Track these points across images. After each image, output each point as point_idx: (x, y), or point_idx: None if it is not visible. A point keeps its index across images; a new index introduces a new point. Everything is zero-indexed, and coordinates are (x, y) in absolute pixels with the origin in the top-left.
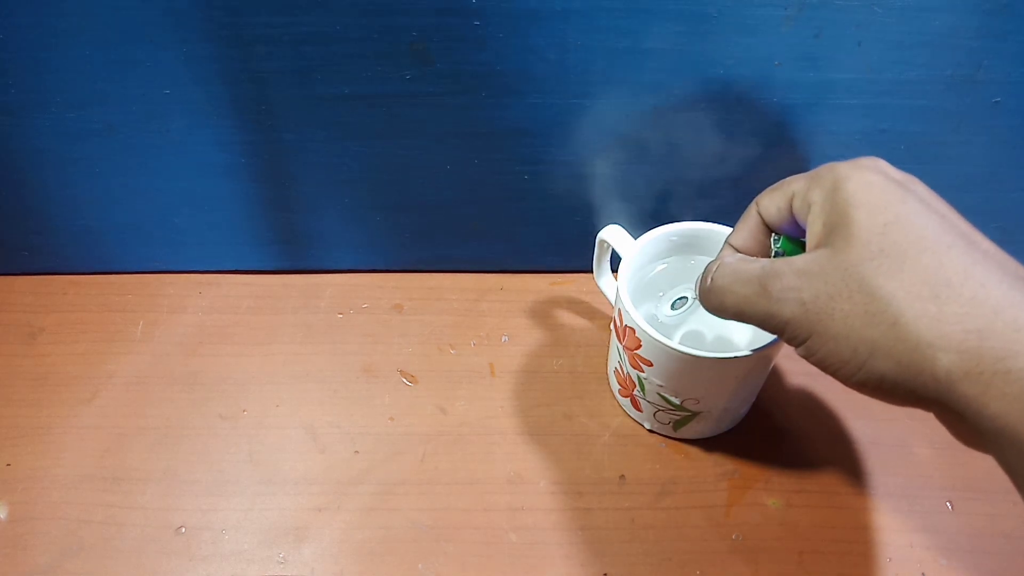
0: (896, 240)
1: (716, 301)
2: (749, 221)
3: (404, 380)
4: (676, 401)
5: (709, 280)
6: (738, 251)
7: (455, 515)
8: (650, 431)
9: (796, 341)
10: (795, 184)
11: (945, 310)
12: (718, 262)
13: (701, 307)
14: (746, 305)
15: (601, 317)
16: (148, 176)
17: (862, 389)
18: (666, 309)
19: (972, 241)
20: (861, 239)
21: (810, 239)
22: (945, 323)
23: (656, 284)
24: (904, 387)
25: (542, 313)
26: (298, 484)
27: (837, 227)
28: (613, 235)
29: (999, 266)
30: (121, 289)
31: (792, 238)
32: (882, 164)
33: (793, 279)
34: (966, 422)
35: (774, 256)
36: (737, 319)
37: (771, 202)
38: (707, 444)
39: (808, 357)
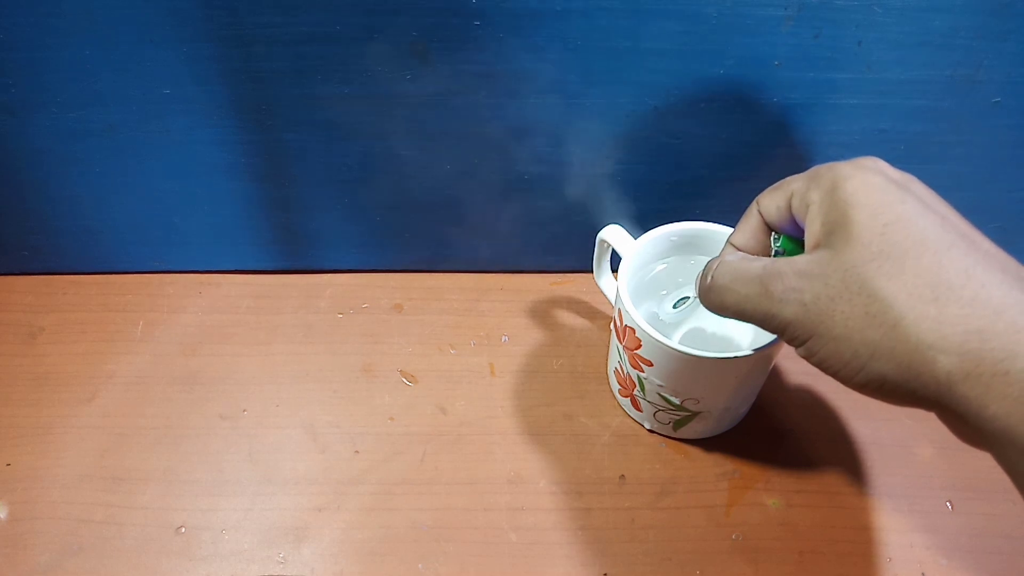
0: (896, 241)
1: (716, 300)
2: (750, 220)
3: (404, 380)
4: (676, 401)
5: (709, 278)
6: (739, 250)
7: (455, 515)
8: (650, 431)
9: (797, 342)
10: (794, 184)
11: (945, 311)
12: (719, 260)
13: (702, 306)
14: (747, 304)
15: (601, 317)
16: (148, 176)
17: (863, 390)
18: (668, 308)
19: (973, 241)
20: (861, 240)
21: (809, 239)
22: (945, 325)
23: (656, 284)
24: (905, 388)
25: (542, 313)
26: (298, 484)
27: (837, 227)
28: (613, 235)
29: (1000, 267)
30: (121, 289)
31: (792, 237)
32: (881, 164)
33: (795, 280)
34: (966, 422)
35: (774, 255)
36: (737, 318)
37: (771, 201)
38: (707, 444)
39: (809, 358)
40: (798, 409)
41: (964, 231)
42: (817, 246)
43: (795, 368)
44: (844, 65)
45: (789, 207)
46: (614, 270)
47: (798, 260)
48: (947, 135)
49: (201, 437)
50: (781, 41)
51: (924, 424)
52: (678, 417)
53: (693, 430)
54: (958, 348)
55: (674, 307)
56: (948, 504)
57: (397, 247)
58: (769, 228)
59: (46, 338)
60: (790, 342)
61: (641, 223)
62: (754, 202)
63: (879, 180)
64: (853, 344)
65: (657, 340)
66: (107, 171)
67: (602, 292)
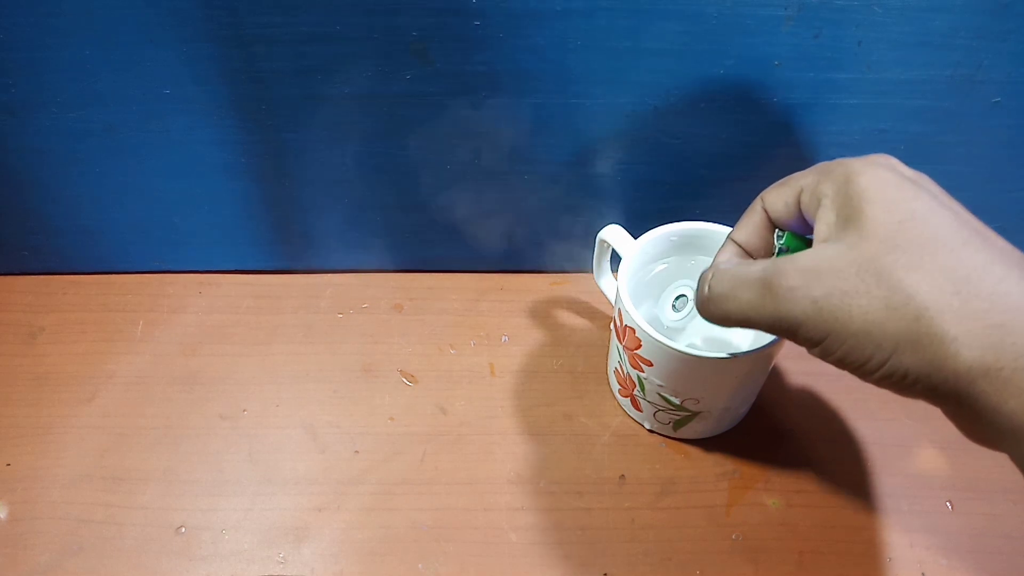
0: (912, 237)
1: (718, 310)
2: (753, 217)
3: (404, 380)
4: (676, 401)
5: (707, 288)
6: (741, 247)
7: (455, 515)
8: (650, 431)
9: (812, 343)
10: (804, 179)
11: (968, 305)
12: (712, 269)
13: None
14: (751, 310)
15: (601, 317)
16: (148, 176)
17: (882, 383)
18: (669, 312)
19: (987, 238)
20: (877, 234)
21: (819, 233)
22: (969, 317)
23: (656, 284)
24: (926, 382)
25: (542, 313)
26: (298, 484)
27: (850, 222)
28: (613, 235)
29: (1017, 263)
30: (121, 289)
31: (796, 234)
32: (893, 161)
33: (800, 277)
34: (981, 419)
35: (777, 253)
36: (743, 326)
37: (778, 197)
38: (707, 444)
39: (825, 357)
40: (798, 409)
41: (978, 228)
42: (827, 241)
43: (795, 368)
44: (844, 65)
45: (797, 203)
46: (614, 270)
47: (801, 257)
48: (947, 135)
49: (201, 437)
50: (781, 41)
51: (925, 424)
52: (678, 417)
53: (693, 430)
54: (981, 341)
55: (674, 309)
56: (948, 504)
57: (397, 247)
58: (772, 225)
59: (46, 338)
60: (804, 343)
61: (641, 223)
62: (758, 198)
63: (893, 176)
64: (875, 338)
65: (657, 340)
66: (107, 171)
67: (602, 292)
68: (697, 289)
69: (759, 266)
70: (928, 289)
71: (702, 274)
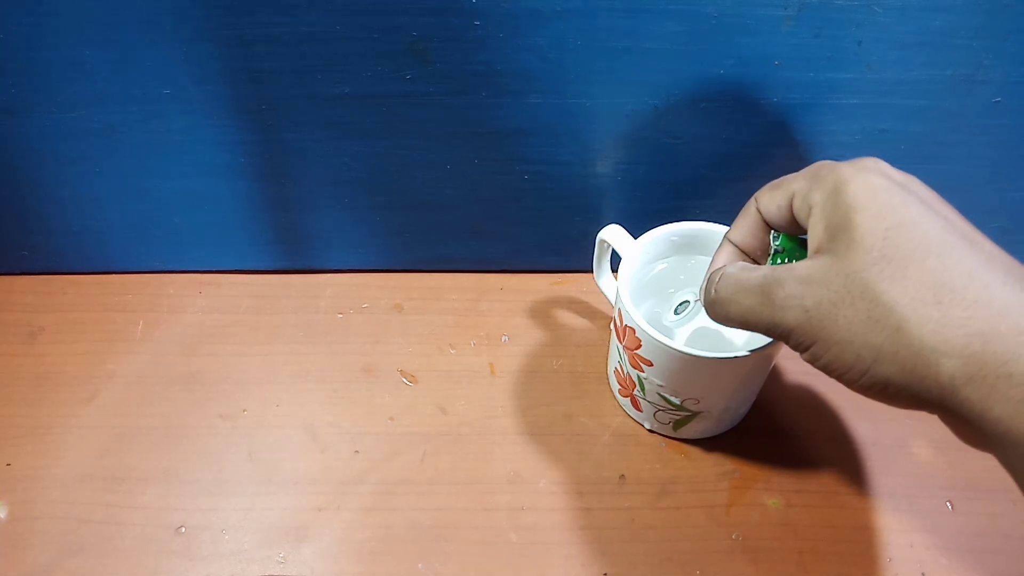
0: (898, 245)
1: (721, 312)
2: (748, 218)
3: (404, 380)
4: (676, 401)
5: (712, 292)
6: (737, 247)
7: (455, 515)
8: (650, 431)
9: (801, 347)
10: (795, 183)
11: (948, 315)
12: (720, 272)
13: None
14: (751, 315)
15: (601, 317)
16: (148, 176)
17: (867, 393)
18: (670, 315)
19: (974, 243)
20: (863, 245)
21: (811, 242)
22: (948, 328)
23: (656, 284)
24: (908, 392)
25: (542, 313)
26: (298, 484)
27: (839, 231)
28: (613, 235)
29: (1003, 268)
30: (121, 289)
31: (792, 236)
32: (883, 165)
33: (795, 287)
34: (971, 425)
35: (773, 253)
36: (743, 328)
37: (771, 201)
38: (707, 444)
39: (813, 362)
40: (798, 409)
41: (966, 232)
42: (819, 251)
43: (795, 368)
44: (844, 65)
45: (790, 207)
46: (614, 270)
47: (798, 267)
48: (947, 135)
49: (201, 437)
50: (781, 41)
51: (924, 424)
52: (678, 417)
53: (693, 430)
54: (961, 351)
55: (675, 312)
56: (948, 504)
57: (397, 247)
58: (767, 225)
59: (46, 338)
60: (795, 348)
61: (641, 223)
62: (752, 199)
63: (882, 182)
64: (856, 348)
65: (657, 340)
66: (107, 171)
67: (602, 292)
68: (704, 289)
69: (760, 273)
70: (908, 301)
71: (709, 274)
